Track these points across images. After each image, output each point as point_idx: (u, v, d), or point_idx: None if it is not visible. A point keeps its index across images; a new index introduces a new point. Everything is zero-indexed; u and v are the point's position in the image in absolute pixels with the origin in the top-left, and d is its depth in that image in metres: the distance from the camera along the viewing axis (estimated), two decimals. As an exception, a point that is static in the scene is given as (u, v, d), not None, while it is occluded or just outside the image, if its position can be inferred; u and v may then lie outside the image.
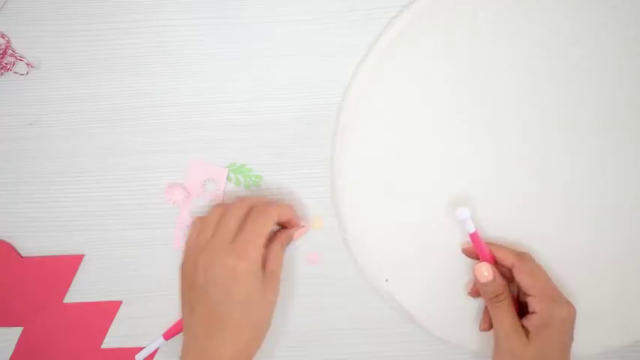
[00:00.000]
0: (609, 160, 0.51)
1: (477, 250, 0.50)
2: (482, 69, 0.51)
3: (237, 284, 0.46)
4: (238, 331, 0.46)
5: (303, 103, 0.53)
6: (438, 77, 0.51)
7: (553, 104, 0.51)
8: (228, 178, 0.53)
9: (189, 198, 0.53)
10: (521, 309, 0.49)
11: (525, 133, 0.51)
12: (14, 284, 0.53)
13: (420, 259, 0.52)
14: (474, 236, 0.49)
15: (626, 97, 0.51)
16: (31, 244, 0.53)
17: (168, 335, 0.53)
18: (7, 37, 0.52)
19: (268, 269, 0.48)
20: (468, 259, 0.51)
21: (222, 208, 0.49)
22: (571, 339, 0.48)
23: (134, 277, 0.54)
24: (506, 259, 0.49)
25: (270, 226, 0.48)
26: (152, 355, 0.54)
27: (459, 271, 0.52)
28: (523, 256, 0.49)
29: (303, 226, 0.52)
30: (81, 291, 0.54)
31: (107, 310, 0.54)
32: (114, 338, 0.54)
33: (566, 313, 0.47)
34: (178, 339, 0.53)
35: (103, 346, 0.54)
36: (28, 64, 0.52)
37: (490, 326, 0.50)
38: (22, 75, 0.52)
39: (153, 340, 0.54)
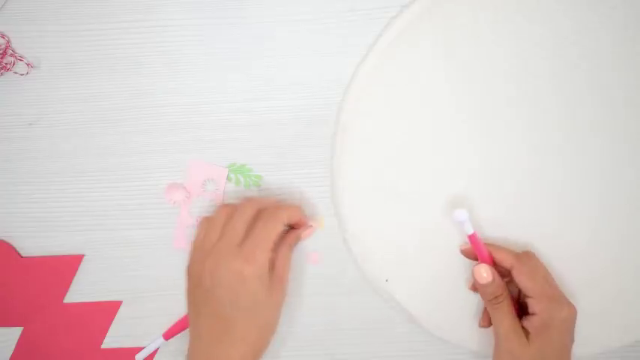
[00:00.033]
0: (608, 160, 0.51)
1: (475, 251, 0.50)
2: (482, 69, 0.51)
3: (245, 288, 0.46)
4: (246, 334, 0.46)
5: (303, 103, 0.53)
6: (438, 77, 0.51)
7: (552, 104, 0.51)
8: (228, 178, 0.53)
9: (189, 198, 0.53)
10: (523, 309, 0.49)
11: (525, 132, 0.51)
12: (14, 284, 0.53)
13: (420, 259, 0.52)
14: (472, 238, 0.49)
15: (626, 97, 0.51)
16: (31, 244, 0.53)
17: (168, 335, 0.53)
18: (7, 37, 0.52)
19: (276, 271, 0.48)
20: (468, 260, 0.52)
21: (230, 208, 0.49)
22: (572, 340, 0.48)
23: (134, 277, 0.54)
24: (505, 261, 0.49)
25: (279, 230, 0.48)
26: (152, 355, 0.54)
27: (458, 271, 0.52)
28: (522, 257, 0.49)
29: (311, 226, 0.52)
30: (81, 291, 0.54)
31: (107, 310, 0.54)
32: (114, 338, 0.54)
33: (566, 314, 0.47)
34: (178, 339, 0.53)
35: (103, 346, 0.54)
36: (28, 64, 0.52)
37: (489, 323, 0.50)
38: (22, 75, 0.52)
39: (153, 340, 0.53)
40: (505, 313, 0.48)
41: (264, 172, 0.53)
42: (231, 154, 0.53)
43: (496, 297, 0.48)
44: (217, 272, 0.46)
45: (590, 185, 0.52)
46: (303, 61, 0.52)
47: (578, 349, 0.49)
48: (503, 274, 0.49)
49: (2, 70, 0.52)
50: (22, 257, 0.53)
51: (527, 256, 0.50)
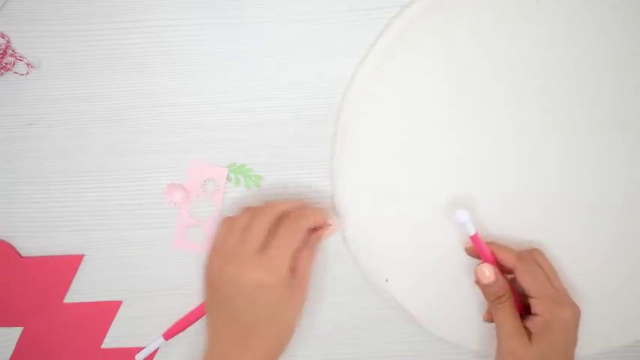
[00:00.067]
0: (608, 159, 0.51)
1: (478, 251, 0.50)
2: (482, 69, 0.51)
3: (264, 298, 0.45)
4: (264, 338, 0.46)
5: (303, 103, 0.53)
6: (438, 77, 0.51)
7: (552, 104, 0.51)
8: (228, 178, 0.53)
9: (189, 198, 0.53)
10: (528, 308, 0.49)
11: (525, 132, 0.51)
12: (14, 284, 0.53)
13: (420, 258, 0.52)
14: (474, 238, 0.49)
15: (625, 97, 0.51)
16: (31, 244, 0.53)
17: (168, 335, 0.53)
18: (7, 37, 0.52)
19: (298, 275, 0.47)
20: (469, 259, 0.52)
21: (252, 211, 0.48)
22: (575, 341, 0.48)
23: (134, 277, 0.54)
24: (508, 261, 0.49)
25: (301, 238, 0.47)
26: (152, 355, 0.54)
27: (458, 271, 0.52)
28: (525, 257, 0.49)
29: (331, 225, 0.51)
30: (81, 291, 0.54)
31: (107, 310, 0.54)
32: (114, 338, 0.54)
33: (569, 314, 0.47)
34: (178, 339, 0.53)
35: (103, 346, 0.54)
36: (28, 64, 0.52)
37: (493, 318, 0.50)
38: (22, 75, 0.52)
39: (153, 340, 0.53)
40: (507, 314, 0.48)
41: (264, 172, 0.53)
42: (231, 154, 0.53)
43: (499, 297, 0.48)
44: (237, 279, 0.45)
45: (589, 185, 0.52)
46: (303, 61, 0.52)
47: (578, 349, 0.49)
48: (508, 271, 0.49)
49: (2, 70, 0.52)
50: (22, 257, 0.53)
51: (530, 256, 0.49)
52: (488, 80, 0.51)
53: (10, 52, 0.52)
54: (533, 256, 0.49)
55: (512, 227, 0.52)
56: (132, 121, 0.53)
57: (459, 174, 0.52)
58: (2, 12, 0.52)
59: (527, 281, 0.48)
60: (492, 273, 0.48)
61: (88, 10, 0.52)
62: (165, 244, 0.54)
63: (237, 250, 0.46)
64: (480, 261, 0.50)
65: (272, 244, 0.46)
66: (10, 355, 0.54)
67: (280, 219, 0.48)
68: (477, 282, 0.49)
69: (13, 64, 0.52)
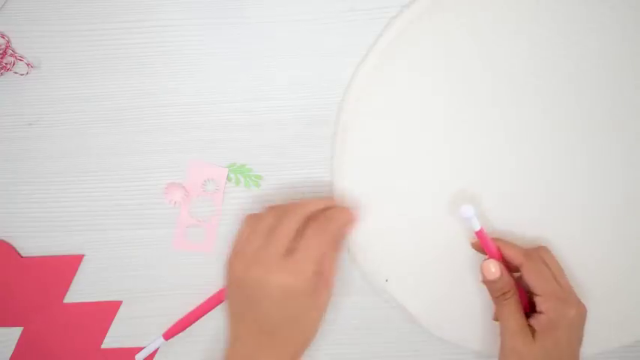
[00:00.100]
0: (608, 159, 0.52)
1: (483, 247, 0.49)
2: (482, 69, 0.51)
3: (290, 302, 0.45)
4: (289, 339, 0.46)
5: (303, 103, 0.53)
6: (438, 77, 0.51)
7: (552, 104, 0.51)
8: (228, 178, 0.53)
9: (189, 198, 0.53)
10: (533, 306, 0.48)
11: (524, 132, 0.51)
12: (14, 284, 0.53)
13: (420, 258, 0.52)
14: (479, 234, 0.48)
15: (625, 97, 0.51)
16: (31, 244, 0.53)
17: (168, 335, 0.53)
18: (7, 37, 0.52)
19: (324, 274, 0.47)
20: (469, 259, 0.52)
21: (278, 211, 0.47)
22: (579, 340, 0.47)
23: (134, 277, 0.54)
24: (515, 258, 0.48)
25: (329, 243, 0.47)
26: (152, 355, 0.54)
27: (459, 271, 0.52)
28: (531, 255, 0.48)
29: (353, 219, 0.51)
30: (81, 291, 0.54)
31: (107, 310, 0.54)
32: (114, 338, 0.54)
33: (574, 313, 0.46)
34: (178, 339, 0.53)
35: (103, 346, 0.54)
36: (28, 64, 0.52)
37: None
38: (22, 75, 0.52)
39: (153, 340, 0.53)
40: (511, 311, 0.47)
41: (264, 172, 0.53)
42: (231, 154, 0.53)
43: (503, 293, 0.48)
44: (262, 283, 0.45)
45: (589, 184, 0.52)
46: (303, 61, 0.52)
47: (577, 349, 0.49)
48: (514, 269, 0.49)
49: (2, 70, 0.52)
50: (22, 257, 0.53)
51: (537, 254, 0.49)
52: (488, 80, 0.51)
53: (10, 52, 0.52)
54: (540, 253, 0.49)
55: (511, 227, 0.52)
56: (132, 121, 0.53)
57: (458, 174, 0.52)
58: (2, 12, 0.52)
59: (533, 279, 0.47)
60: (498, 269, 0.47)
61: (89, 10, 0.52)
62: (165, 244, 0.54)
63: (261, 253, 0.45)
64: (486, 257, 0.49)
65: (299, 247, 0.45)
66: (10, 355, 0.54)
67: (308, 220, 0.47)
68: (482, 278, 0.49)
69: (13, 64, 0.52)
